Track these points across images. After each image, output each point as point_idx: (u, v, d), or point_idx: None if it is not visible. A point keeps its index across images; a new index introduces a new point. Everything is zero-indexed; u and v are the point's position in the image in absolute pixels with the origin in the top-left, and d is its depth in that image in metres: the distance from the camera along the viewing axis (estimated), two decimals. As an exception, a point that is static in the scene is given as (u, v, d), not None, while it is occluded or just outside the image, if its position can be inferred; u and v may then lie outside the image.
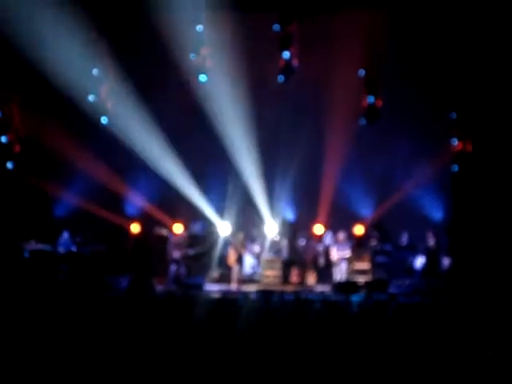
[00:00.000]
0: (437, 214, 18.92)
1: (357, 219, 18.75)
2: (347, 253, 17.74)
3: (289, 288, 17.16)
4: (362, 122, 18.34)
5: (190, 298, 11.81)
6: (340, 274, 17.64)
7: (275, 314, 9.67)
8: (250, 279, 18.04)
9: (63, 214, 19.30)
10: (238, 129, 18.51)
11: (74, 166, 18.68)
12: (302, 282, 17.99)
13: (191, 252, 18.26)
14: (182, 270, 17.82)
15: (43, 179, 18.76)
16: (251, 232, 18.91)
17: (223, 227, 18.75)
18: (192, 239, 18.57)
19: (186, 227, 18.62)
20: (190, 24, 17.65)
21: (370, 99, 18.09)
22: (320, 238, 18.68)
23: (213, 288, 17.15)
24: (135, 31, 18.36)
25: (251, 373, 7.97)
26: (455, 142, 18.01)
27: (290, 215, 19.66)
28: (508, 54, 16.91)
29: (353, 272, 17.67)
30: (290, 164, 18.98)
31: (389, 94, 18.09)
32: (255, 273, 18.20)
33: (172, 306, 10.61)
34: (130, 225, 19.20)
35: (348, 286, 16.44)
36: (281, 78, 18.05)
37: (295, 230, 19.26)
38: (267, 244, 18.57)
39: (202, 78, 17.98)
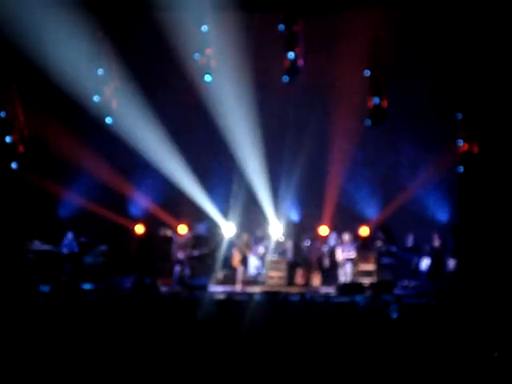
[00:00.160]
0: (442, 215, 18.87)
1: (362, 220, 18.70)
2: (352, 254, 17.68)
3: (293, 289, 17.11)
4: (368, 122, 18.25)
5: (194, 299, 11.76)
6: (345, 275, 17.57)
7: (280, 316, 9.61)
8: (254, 280, 17.99)
9: (67, 214, 19.27)
10: (243, 129, 18.47)
11: (79, 167, 18.65)
12: (307, 283, 17.93)
13: (195, 253, 18.21)
14: (187, 271, 17.77)
15: (47, 179, 18.71)
16: (256, 233, 18.85)
17: (227, 228, 18.70)
18: (196, 240, 18.53)
19: (191, 228, 18.57)
20: (194, 24, 17.59)
21: (376, 100, 18.01)
22: (325, 239, 18.61)
23: (217, 289, 17.10)
24: (140, 31, 18.34)
25: (255, 374, 7.92)
26: (461, 143, 17.91)
27: (294, 216, 19.61)
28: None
29: (358, 273, 17.63)
30: (294, 164, 18.94)
31: (394, 95, 18.02)
32: (260, 274, 18.15)
33: (176, 307, 10.56)
34: (134, 225, 19.15)
35: (353, 288, 16.38)
36: (286, 78, 17.99)
37: (300, 231, 19.21)
38: (272, 245, 18.52)
39: (207, 78, 17.92)
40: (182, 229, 18.27)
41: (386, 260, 18.11)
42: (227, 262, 18.27)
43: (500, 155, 17.26)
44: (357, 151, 18.52)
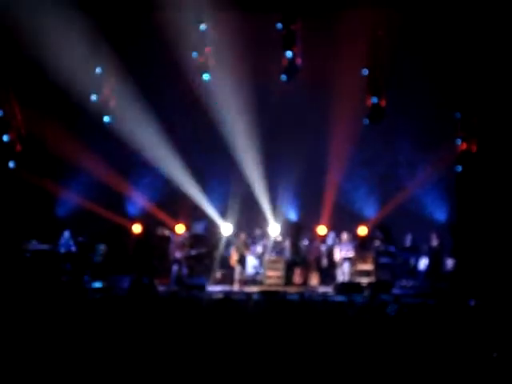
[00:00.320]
0: (441, 214, 18.85)
1: (360, 220, 18.66)
2: (350, 253, 17.65)
3: (291, 289, 17.08)
4: (366, 122, 18.23)
5: (192, 299, 11.74)
6: (343, 274, 17.54)
7: (278, 315, 9.59)
8: (252, 280, 17.96)
9: (65, 213, 19.22)
10: (241, 128, 18.43)
11: (76, 166, 18.59)
12: (305, 282, 17.91)
13: (193, 252, 18.19)
14: (184, 271, 17.74)
15: (45, 178, 18.67)
16: (254, 232, 18.82)
17: (225, 227, 18.67)
18: (194, 239, 18.51)
19: (188, 227, 18.54)
20: (193, 23, 17.56)
21: (374, 99, 17.98)
22: (323, 239, 18.58)
23: (215, 289, 17.07)
24: (138, 30, 18.31)
25: (254, 374, 7.90)
26: (459, 142, 17.89)
27: (293, 215, 19.59)
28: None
29: (356, 273, 17.61)
30: (293, 164, 18.89)
31: (393, 94, 18.00)
32: (258, 273, 18.12)
33: (174, 307, 10.53)
34: (131, 225, 19.11)
35: (351, 287, 16.37)
36: (284, 78, 17.97)
37: (298, 230, 19.18)
38: (270, 244, 18.50)
39: (205, 76, 17.89)
40: (180, 228, 18.24)
41: (384, 260, 18.09)
42: (225, 262, 18.25)
43: (498, 154, 17.24)
44: (355, 150, 18.48)
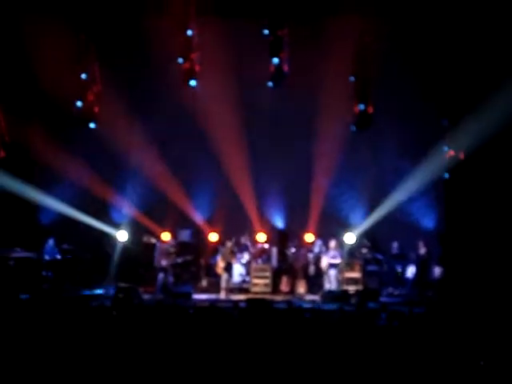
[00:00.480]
0: (428, 222, 18.83)
1: (347, 227, 18.57)
2: (336, 259, 17.56)
3: (278, 297, 16.99)
4: (353, 128, 18.16)
5: (178, 307, 11.61)
6: (329, 282, 17.44)
7: (265, 324, 9.49)
8: (239, 288, 17.86)
9: (49, 221, 19.04)
10: (228, 135, 18.32)
11: (61, 172, 18.40)
12: (292, 290, 17.82)
13: (179, 260, 18.07)
14: (170, 279, 17.60)
15: (29, 185, 18.48)
16: (240, 240, 18.72)
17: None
18: (180, 247, 18.40)
19: (174, 235, 18.41)
20: (179, 29, 17.47)
21: (361, 106, 17.92)
22: (310, 247, 18.50)
23: (201, 297, 16.96)
24: (124, 36, 18.20)
25: (241, 382, 7.80)
26: (447, 150, 17.86)
27: (280, 223, 19.50)
28: (499, 60, 16.85)
29: (344, 280, 17.55)
30: (280, 171, 18.83)
31: (380, 101, 17.96)
32: (244, 281, 18.03)
33: (159, 315, 10.40)
34: (117, 232, 18.94)
35: (338, 295, 16.31)
36: (270, 84, 17.88)
37: (285, 238, 19.10)
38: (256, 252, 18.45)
39: (192, 82, 17.78)
40: (166, 236, 18.10)
41: (371, 267, 18.07)
42: (212, 270, 18.15)
43: (486, 162, 17.23)
44: (342, 157, 18.41)
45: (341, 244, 17.98)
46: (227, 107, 18.04)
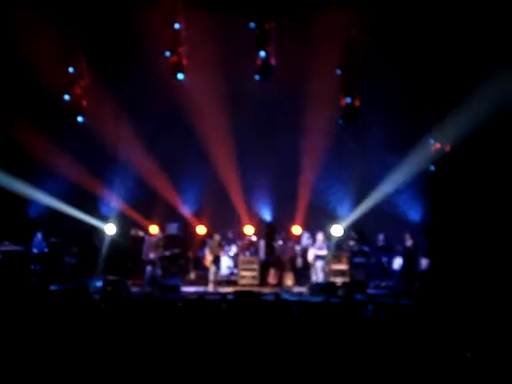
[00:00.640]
0: (415, 214, 18.92)
1: (334, 220, 18.64)
2: (323, 251, 17.63)
3: (266, 289, 17.07)
4: (340, 121, 18.21)
5: (166, 300, 11.65)
6: (316, 274, 17.51)
7: (253, 316, 9.54)
8: (227, 280, 17.92)
9: (37, 214, 19.03)
10: (215, 128, 18.35)
11: (49, 166, 18.37)
12: (280, 283, 17.89)
13: (167, 253, 18.09)
14: (158, 271, 17.63)
15: (17, 179, 18.45)
16: (228, 233, 18.78)
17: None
18: (168, 240, 18.42)
19: (162, 228, 18.43)
20: (167, 22, 17.47)
21: (348, 99, 17.98)
22: (297, 239, 18.58)
23: (189, 289, 17.01)
24: (111, 30, 18.18)
25: (229, 374, 7.84)
26: (433, 142, 17.93)
27: (267, 216, 19.55)
28: (484, 52, 16.92)
29: (331, 272, 17.61)
30: (267, 164, 18.87)
31: (367, 94, 18.02)
32: (232, 274, 18.09)
33: (148, 308, 10.43)
34: (105, 225, 18.94)
35: (326, 287, 16.39)
36: (257, 78, 17.90)
37: (273, 230, 19.17)
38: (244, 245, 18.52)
39: (179, 76, 17.78)
40: (154, 229, 18.12)
41: (358, 259, 18.16)
42: (200, 262, 18.20)
43: (472, 154, 17.31)
44: (329, 150, 18.46)
45: (328, 236, 18.06)
46: (214, 101, 18.05)
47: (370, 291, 16.52)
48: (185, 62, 17.65)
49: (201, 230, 18.97)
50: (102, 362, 8.09)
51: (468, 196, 17.27)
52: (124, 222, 18.92)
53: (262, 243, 18.82)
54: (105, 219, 19.03)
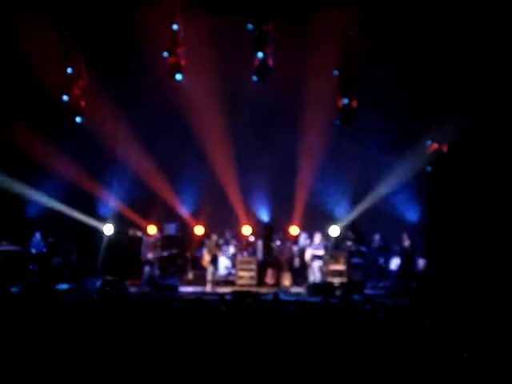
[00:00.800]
0: (412, 215, 18.96)
1: (332, 220, 18.69)
2: (320, 251, 17.68)
3: (264, 289, 17.11)
4: (337, 122, 18.24)
5: (164, 300, 11.69)
6: (313, 274, 17.57)
7: (251, 316, 9.58)
8: (224, 280, 17.97)
9: (36, 214, 19.06)
10: (213, 129, 18.39)
11: (47, 166, 18.40)
12: (277, 283, 17.94)
13: (165, 253, 18.13)
14: (156, 272, 17.67)
15: (15, 179, 18.48)
16: (225, 233, 18.82)
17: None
18: (166, 240, 18.46)
19: (160, 228, 18.47)
20: (165, 23, 17.51)
21: (345, 100, 18.01)
22: (295, 239, 18.62)
23: (187, 289, 17.05)
24: (110, 30, 18.20)
25: (227, 375, 7.88)
26: (430, 143, 17.97)
27: (265, 216, 19.60)
28: (483, 53, 16.96)
29: (328, 273, 17.65)
30: (265, 165, 18.91)
31: (364, 95, 18.05)
32: (230, 274, 18.13)
33: (145, 308, 10.47)
34: (103, 226, 18.98)
35: (323, 288, 16.43)
36: (255, 78, 17.93)
37: (270, 230, 19.21)
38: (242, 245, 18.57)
39: (178, 76, 17.82)
40: (152, 229, 18.15)
41: (356, 260, 18.20)
42: (197, 263, 18.25)
43: (469, 155, 17.35)
44: (326, 151, 18.50)
45: (325, 237, 18.11)
46: (212, 101, 18.09)
47: (368, 291, 16.57)
48: (183, 62, 17.71)
49: (199, 230, 19.02)
50: (100, 361, 8.13)
51: (465, 196, 17.31)
52: (122, 223, 18.95)
53: (260, 243, 18.86)
54: (103, 219, 19.08)
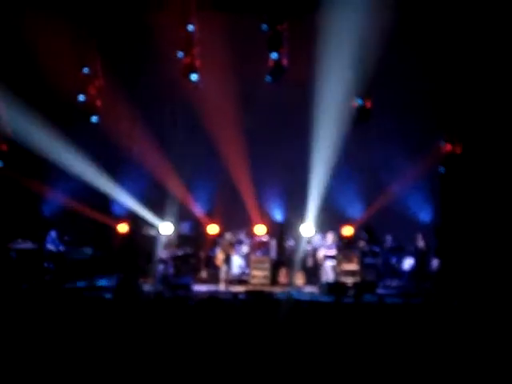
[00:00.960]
0: (425, 215, 18.95)
1: (345, 220, 18.73)
2: (332, 251, 17.72)
3: (277, 288, 17.14)
4: (351, 122, 18.22)
5: (177, 298, 11.77)
6: (326, 274, 17.60)
7: (264, 315, 9.64)
8: (238, 279, 18.02)
9: (51, 213, 19.20)
10: (227, 128, 18.46)
11: (63, 165, 18.51)
12: (291, 282, 17.96)
13: (179, 252, 18.21)
14: (170, 270, 17.76)
15: (32, 178, 18.62)
16: (239, 232, 18.87)
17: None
18: (180, 239, 18.55)
19: (175, 227, 18.55)
20: (180, 23, 17.59)
21: (359, 100, 18.01)
22: (308, 239, 18.63)
23: (201, 288, 17.11)
24: (125, 30, 18.31)
25: (240, 373, 7.94)
26: (444, 144, 17.97)
27: (278, 215, 19.64)
28: (496, 56, 16.95)
29: (341, 273, 17.67)
30: (279, 164, 18.95)
31: (379, 95, 18.05)
32: (243, 273, 18.19)
33: (159, 306, 10.56)
34: (117, 224, 19.10)
35: (336, 287, 16.44)
36: (269, 79, 17.97)
37: (284, 230, 19.25)
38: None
39: (193, 77, 17.89)
40: (166, 228, 18.24)
41: (369, 260, 18.19)
42: (211, 262, 18.31)
43: (483, 156, 17.36)
44: (341, 151, 18.49)
45: (338, 237, 18.15)
46: (227, 101, 18.16)
47: (380, 291, 16.59)
48: (198, 63, 17.78)
49: (212, 229, 19.09)
50: (115, 359, 8.21)
51: (478, 197, 17.32)
52: (136, 221, 19.05)
53: (274, 243, 18.90)
54: (117, 218, 19.19)
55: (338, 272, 17.65)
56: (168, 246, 17.94)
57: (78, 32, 18.01)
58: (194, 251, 18.90)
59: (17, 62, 18.10)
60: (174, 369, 8.09)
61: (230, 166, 19.04)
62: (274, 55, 17.68)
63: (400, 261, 18.32)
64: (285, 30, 17.60)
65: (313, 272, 18.14)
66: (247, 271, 18.15)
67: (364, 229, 18.68)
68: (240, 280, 18.04)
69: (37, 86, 18.09)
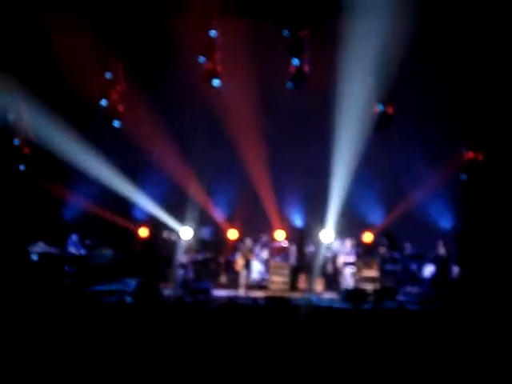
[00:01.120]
0: (446, 222, 18.88)
1: (366, 226, 18.70)
2: (351, 258, 17.71)
3: (296, 294, 17.13)
4: (373, 129, 18.18)
5: (197, 303, 11.80)
6: (345, 280, 17.58)
7: (283, 321, 9.65)
8: (257, 285, 18.02)
9: (72, 216, 19.32)
10: (248, 134, 18.50)
11: (84, 169, 18.62)
12: (310, 288, 17.94)
13: (199, 257, 18.26)
14: (190, 275, 17.80)
15: (53, 182, 18.75)
16: (259, 238, 18.89)
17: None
18: (200, 244, 18.61)
19: (195, 232, 18.60)
20: (202, 29, 17.65)
21: (381, 106, 17.96)
22: (328, 245, 18.61)
23: (220, 293, 17.13)
24: (147, 35, 18.42)
25: (259, 378, 7.95)
26: (465, 151, 17.89)
27: (298, 221, 19.65)
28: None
29: (361, 279, 17.64)
30: (299, 170, 18.97)
31: (400, 101, 18.00)
32: (263, 279, 18.19)
33: (179, 311, 10.59)
34: (138, 229, 19.19)
35: (356, 294, 16.40)
36: (290, 85, 17.96)
37: (304, 236, 19.24)
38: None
39: (215, 82, 17.93)
40: (186, 233, 18.29)
41: (389, 266, 18.14)
42: (231, 267, 18.35)
43: (504, 163, 17.27)
44: (362, 156, 18.46)
45: (358, 243, 18.12)
46: (248, 107, 18.20)
47: (400, 298, 16.53)
48: (219, 68, 17.82)
49: (232, 234, 19.13)
50: (135, 362, 8.24)
51: (500, 205, 17.23)
52: (157, 226, 19.12)
53: (293, 248, 18.89)
54: (138, 222, 19.27)
55: (357, 278, 17.62)
56: (188, 250, 17.99)
57: (100, 37, 18.10)
58: (214, 256, 18.95)
59: (40, 66, 18.22)
60: (194, 372, 8.11)
61: (251, 171, 19.07)
62: (295, 61, 17.66)
63: (420, 268, 18.26)
64: (306, 36, 17.57)
65: (332, 278, 18.12)
66: (266, 277, 18.15)
67: (384, 235, 18.64)
68: (259, 285, 18.04)
69: (59, 90, 18.20)
